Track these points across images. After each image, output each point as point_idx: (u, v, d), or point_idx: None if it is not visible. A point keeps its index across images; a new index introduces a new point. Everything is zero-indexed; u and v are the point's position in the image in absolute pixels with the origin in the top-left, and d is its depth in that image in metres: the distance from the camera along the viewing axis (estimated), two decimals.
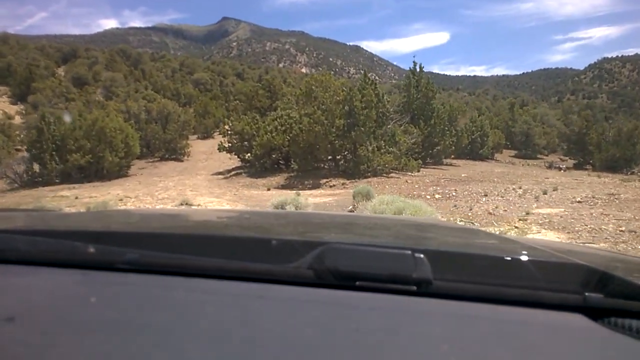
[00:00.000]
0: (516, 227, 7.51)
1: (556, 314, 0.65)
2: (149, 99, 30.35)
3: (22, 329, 0.58)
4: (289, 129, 17.70)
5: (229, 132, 19.72)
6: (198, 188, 15.74)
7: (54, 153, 17.86)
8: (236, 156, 20.17)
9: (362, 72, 19.72)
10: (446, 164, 23.54)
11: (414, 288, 0.67)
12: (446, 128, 21.42)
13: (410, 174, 16.84)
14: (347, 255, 0.72)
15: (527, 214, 8.67)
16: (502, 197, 11.37)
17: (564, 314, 0.65)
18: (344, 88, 16.38)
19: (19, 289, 0.73)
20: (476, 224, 7.77)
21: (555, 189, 12.09)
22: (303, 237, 0.98)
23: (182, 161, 25.25)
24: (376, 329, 0.59)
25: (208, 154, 27.47)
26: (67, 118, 18.60)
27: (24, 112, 36.79)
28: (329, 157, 16.66)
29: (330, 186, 14.81)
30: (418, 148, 19.91)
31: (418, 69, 21.70)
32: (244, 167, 19.96)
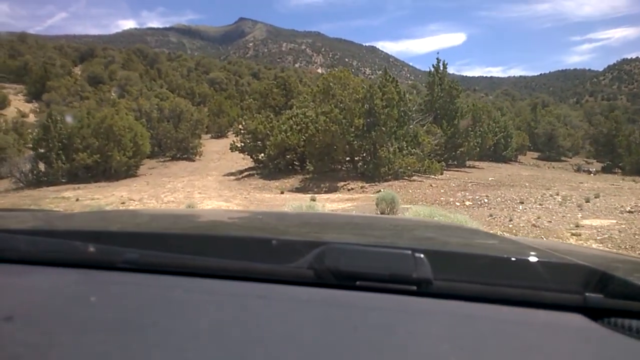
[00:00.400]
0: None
1: (556, 314, 0.65)
2: (161, 97, 29.67)
3: (22, 329, 0.58)
4: (304, 128, 16.74)
5: (242, 131, 18.83)
6: (207, 190, 14.87)
7: (60, 152, 17.17)
8: (249, 156, 19.28)
9: (378, 72, 18.63)
10: (469, 167, 22.36)
11: (414, 288, 0.68)
12: (470, 129, 20.21)
13: (433, 177, 15.75)
14: (347, 255, 0.72)
15: (577, 226, 7.56)
16: (540, 205, 10.23)
17: (564, 314, 0.65)
18: (363, 85, 15.35)
19: (19, 289, 0.73)
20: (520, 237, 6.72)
21: (596, 196, 10.91)
22: (303, 237, 0.98)
23: (193, 161, 24.47)
24: (376, 328, 0.59)
25: (221, 153, 26.69)
26: (69, 119, 17.93)
27: (37, 110, 36.60)
28: (347, 159, 15.63)
29: (349, 190, 13.81)
30: (440, 149, 18.79)
31: (442, 67, 20.55)
32: (257, 167, 19.06)
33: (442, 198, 11.32)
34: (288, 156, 16.57)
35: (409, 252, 0.70)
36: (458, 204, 10.55)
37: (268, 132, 17.14)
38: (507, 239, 1.16)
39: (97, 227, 1.08)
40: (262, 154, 18.00)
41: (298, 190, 14.47)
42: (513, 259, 0.77)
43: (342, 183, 14.44)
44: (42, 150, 17.16)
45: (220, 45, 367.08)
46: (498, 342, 0.58)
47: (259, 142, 18.13)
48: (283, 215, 1.82)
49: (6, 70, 50.30)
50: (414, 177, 15.05)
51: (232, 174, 18.85)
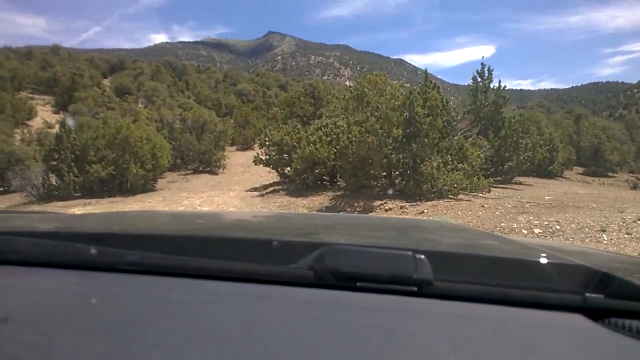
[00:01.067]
0: None
1: (557, 314, 0.65)
2: (185, 107, 28.59)
3: (22, 330, 0.58)
4: (335, 139, 15.09)
5: (267, 142, 17.32)
6: (227, 208, 13.35)
7: (72, 164, 15.97)
8: (274, 170, 17.73)
9: (406, 85, 16.87)
10: (516, 182, 20.26)
11: (415, 289, 0.67)
12: (520, 140, 18.17)
13: (481, 195, 13.83)
14: (348, 256, 0.71)
15: None
16: (628, 234, 8.23)
17: (564, 315, 0.65)
18: (401, 91, 13.62)
19: (20, 290, 0.73)
20: None
21: None
22: (304, 238, 0.98)
23: (216, 174, 23.12)
24: (377, 329, 0.59)
25: (245, 166, 25.29)
26: (69, 122, 16.80)
27: (63, 121, 36.29)
28: (383, 174, 13.86)
29: (386, 210, 12.04)
30: (486, 164, 16.83)
31: (487, 73, 18.64)
32: (283, 182, 17.49)
33: (502, 223, 9.44)
34: (317, 170, 14.91)
35: (410, 253, 0.69)
36: (525, 231, 8.67)
37: (295, 143, 15.56)
38: (508, 240, 1.17)
39: (98, 229, 1.08)
40: (289, 168, 16.42)
41: (328, 209, 12.79)
42: (514, 259, 0.78)
43: (379, 202, 12.68)
44: (54, 162, 15.97)
45: (249, 58, 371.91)
46: (499, 343, 0.58)
47: (285, 155, 16.56)
48: (283, 217, 1.86)
49: (37, 81, 50.85)
50: (460, 196, 13.17)
51: (255, 189, 17.33)
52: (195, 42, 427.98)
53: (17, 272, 0.79)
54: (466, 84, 18.87)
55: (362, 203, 12.72)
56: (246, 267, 0.74)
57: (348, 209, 12.51)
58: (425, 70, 15.19)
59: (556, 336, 0.60)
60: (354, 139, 12.31)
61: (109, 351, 0.53)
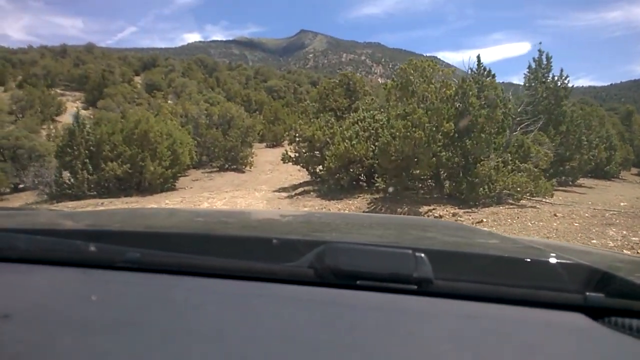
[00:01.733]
0: None
1: (557, 313, 0.65)
2: (211, 101, 27.31)
3: (21, 328, 0.58)
4: (373, 135, 13.31)
5: (297, 138, 15.68)
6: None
7: (87, 161, 14.75)
8: (304, 169, 16.09)
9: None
10: (576, 185, 17.98)
11: (415, 287, 0.67)
12: (583, 138, 15.91)
13: (545, 200, 11.80)
14: (348, 254, 0.71)
15: None
16: None
17: (565, 314, 0.65)
18: (453, 79, 11.71)
19: (19, 288, 0.73)
20: None
21: None
22: (304, 236, 0.98)
23: (243, 172, 21.67)
24: (377, 328, 0.59)
25: (274, 164, 23.77)
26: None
27: (92, 117, 35.81)
28: (429, 175, 11.99)
29: (435, 217, 10.20)
30: (544, 164, 14.70)
31: (545, 60, 16.43)
32: (314, 182, 15.83)
33: (593, 240, 7.46)
34: (352, 170, 13.16)
35: (410, 251, 0.69)
36: (628, 252, 6.74)
37: (328, 139, 13.86)
38: (508, 238, 1.15)
39: (98, 226, 1.07)
40: (320, 167, 14.74)
41: None
42: (514, 258, 0.78)
43: (426, 208, 10.83)
44: (67, 159, 14.77)
45: (280, 57, 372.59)
46: (499, 342, 0.57)
47: (317, 152, 14.88)
48: (283, 215, 1.86)
49: (69, 79, 51.14)
50: (522, 201, 11.18)
51: (284, 189, 15.72)
52: (228, 41, 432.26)
53: (17, 270, 0.79)
54: (501, 81, 16.70)
55: (406, 208, 10.90)
56: (246, 265, 0.74)
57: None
58: (478, 56, 13.20)
59: (556, 335, 0.59)
60: (397, 134, 10.51)
61: (109, 349, 0.52)
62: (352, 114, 14.63)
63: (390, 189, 11.82)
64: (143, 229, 1.07)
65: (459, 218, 10.00)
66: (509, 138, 12.18)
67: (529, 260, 0.74)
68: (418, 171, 11.13)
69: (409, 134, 10.23)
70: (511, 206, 10.63)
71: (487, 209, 10.37)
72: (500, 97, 11.07)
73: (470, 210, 10.34)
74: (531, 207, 10.74)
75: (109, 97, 39.45)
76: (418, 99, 11.39)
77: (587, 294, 0.65)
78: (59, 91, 46.36)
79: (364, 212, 11.32)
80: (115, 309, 0.64)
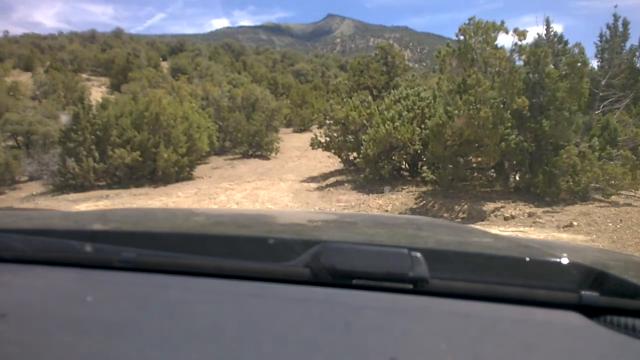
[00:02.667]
0: None
1: (552, 312, 0.65)
2: (234, 83, 25.50)
3: (16, 328, 0.58)
4: (418, 115, 11.18)
5: (327, 121, 13.66)
6: (274, 207, 9.93)
7: (92, 147, 13.14)
8: (336, 155, 14.11)
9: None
10: None
11: (411, 286, 0.68)
12: None
13: (633, 194, 9.49)
14: (343, 253, 0.72)
15: None
16: None
17: (560, 312, 0.65)
18: (523, 42, 9.43)
19: (14, 288, 0.73)
20: None
21: None
22: (300, 235, 0.96)
23: (268, 159, 19.80)
24: (373, 327, 0.60)
25: (302, 150, 21.86)
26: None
27: (115, 102, 34.76)
28: (492, 164, 9.79)
29: (506, 218, 8.08)
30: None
31: (621, 26, 13.78)
32: (347, 170, 13.84)
33: None
34: (395, 157, 11.08)
35: (406, 250, 0.69)
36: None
37: (365, 121, 11.79)
38: (503, 237, 1.14)
39: (93, 226, 1.07)
40: (355, 153, 12.72)
41: (414, 213, 8.98)
42: (509, 257, 0.77)
43: (491, 205, 8.69)
44: (71, 145, 13.19)
45: (307, 41, 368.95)
46: (494, 341, 0.58)
47: (351, 136, 12.85)
48: (279, 214, 1.79)
49: (96, 64, 50.50)
50: (613, 198, 8.90)
51: (313, 179, 13.78)
52: (255, 27, 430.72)
53: (11, 270, 0.79)
54: None
55: (465, 206, 8.80)
56: (242, 264, 0.74)
57: (445, 215, 8.65)
58: (547, 18, 10.79)
59: (552, 334, 0.60)
60: (455, 112, 8.37)
61: (104, 350, 0.52)
62: (392, 92, 12.48)
63: (440, 180, 9.73)
64: (139, 228, 1.06)
65: (538, 220, 7.85)
66: (590, 118, 9.85)
67: (524, 259, 0.73)
68: (484, 158, 8.96)
69: (471, 111, 8.07)
70: (601, 204, 8.39)
71: (572, 207, 8.16)
72: (586, 64, 8.76)
73: (550, 209, 8.15)
74: (626, 204, 8.48)
75: (133, 81, 38.21)
76: (478, 69, 9.18)
77: (582, 292, 0.65)
78: (84, 76, 45.64)
79: (411, 209, 9.28)
80: (111, 309, 0.64)
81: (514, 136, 8.82)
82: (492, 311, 0.65)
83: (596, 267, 0.70)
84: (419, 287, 0.67)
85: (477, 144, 8.86)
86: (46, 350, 0.53)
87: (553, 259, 0.74)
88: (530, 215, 7.96)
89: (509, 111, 8.67)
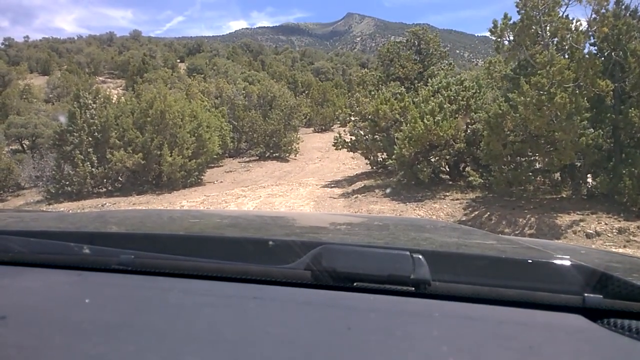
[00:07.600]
0: None
1: (555, 314, 0.64)
2: (250, 79, 24.01)
3: (14, 331, 0.58)
4: (463, 108, 9.41)
5: (352, 117, 11.96)
6: None
7: (90, 150, 11.73)
8: (363, 157, 12.41)
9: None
10: None
11: (412, 289, 0.67)
12: None
13: None
14: (344, 256, 0.71)
15: None
16: None
17: (563, 315, 0.64)
18: (596, 16, 7.57)
19: (12, 290, 0.73)
20: None
21: None
22: (300, 237, 0.96)
23: (286, 161, 18.22)
24: (374, 330, 0.59)
25: (324, 151, 20.24)
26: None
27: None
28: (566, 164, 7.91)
29: (588, 235, 6.29)
30: None
31: None
32: (376, 173, 12.13)
33: None
34: (436, 157, 9.33)
35: (407, 253, 0.69)
36: None
37: (398, 115, 10.06)
38: (505, 239, 1.12)
39: (91, 228, 1.06)
40: (385, 154, 11.00)
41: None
42: (512, 259, 0.76)
43: (567, 218, 6.87)
44: (67, 148, 11.79)
45: (327, 41, 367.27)
46: (497, 343, 0.58)
47: (380, 135, 11.13)
48: (280, 216, 1.80)
49: (113, 66, 49.95)
50: None
51: (336, 183, 12.09)
52: (274, 27, 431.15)
53: (10, 272, 0.78)
54: None
55: (531, 219, 6.99)
56: (242, 267, 0.73)
57: (507, 231, 6.87)
58: None
59: (555, 337, 0.59)
60: (521, 99, 6.58)
61: (102, 352, 0.52)
62: (431, 81, 10.70)
63: (492, 186, 7.93)
64: (137, 230, 1.04)
65: (631, 238, 6.02)
66: None
67: (527, 261, 0.73)
68: (547, 159, 7.14)
69: (543, 96, 6.28)
70: None
71: None
72: None
73: None
74: None
75: (148, 82, 37.25)
76: (544, 46, 7.36)
77: (586, 295, 0.64)
78: (100, 79, 45.01)
79: (460, 221, 7.53)
80: (110, 311, 0.64)
81: (592, 130, 6.98)
82: (494, 314, 0.64)
83: (599, 269, 0.68)
84: (421, 290, 0.66)
85: (543, 141, 7.05)
86: (45, 353, 0.52)
87: (556, 261, 0.73)
88: (620, 231, 6.14)
89: (585, 98, 6.85)
